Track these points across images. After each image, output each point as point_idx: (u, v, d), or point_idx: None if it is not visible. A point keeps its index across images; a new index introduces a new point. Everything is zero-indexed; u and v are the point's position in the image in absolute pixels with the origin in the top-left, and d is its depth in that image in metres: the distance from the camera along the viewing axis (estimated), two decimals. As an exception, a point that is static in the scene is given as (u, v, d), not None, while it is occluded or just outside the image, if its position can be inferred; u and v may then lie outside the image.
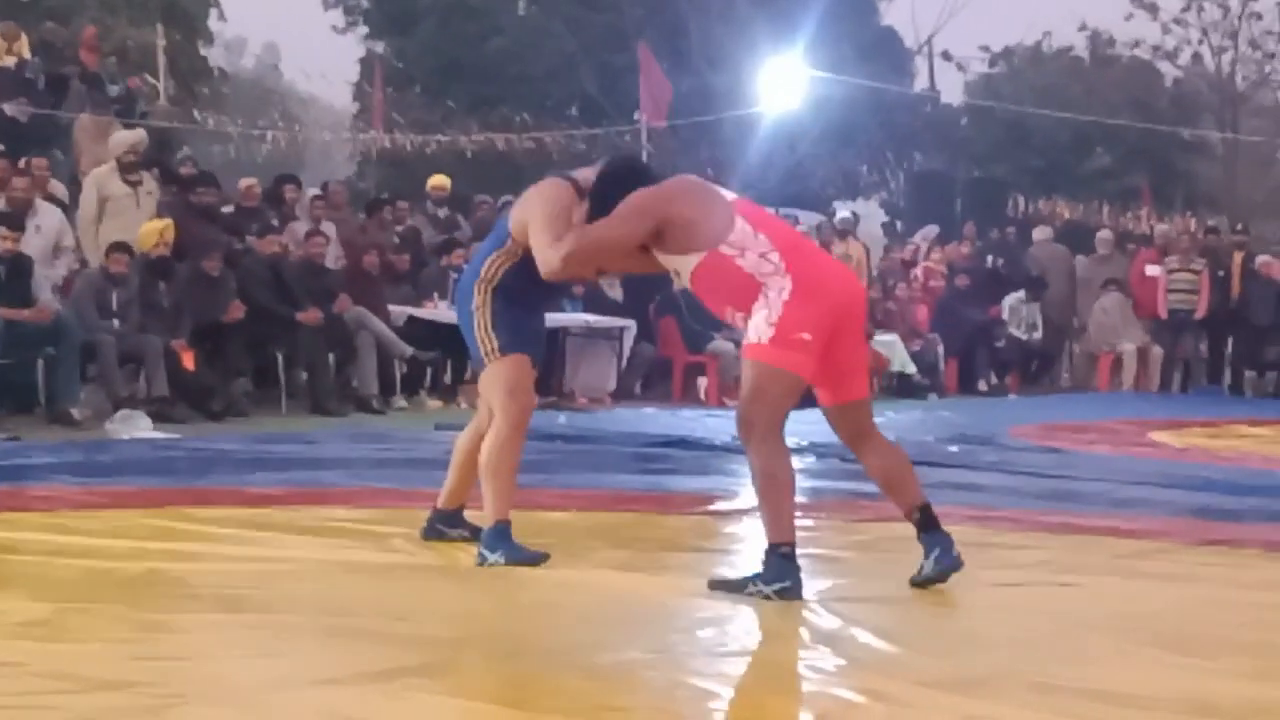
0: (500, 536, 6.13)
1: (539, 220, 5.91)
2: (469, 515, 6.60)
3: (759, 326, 5.60)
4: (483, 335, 6.20)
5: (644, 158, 23.81)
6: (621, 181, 5.88)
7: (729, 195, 5.93)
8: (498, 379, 6.21)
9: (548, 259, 5.82)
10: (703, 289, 5.80)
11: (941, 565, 5.83)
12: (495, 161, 26.53)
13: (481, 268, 6.24)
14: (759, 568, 5.63)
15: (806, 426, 12.69)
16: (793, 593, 5.55)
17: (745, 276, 5.64)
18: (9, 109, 16.23)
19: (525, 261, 6.09)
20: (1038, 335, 21.12)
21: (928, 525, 5.93)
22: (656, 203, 5.76)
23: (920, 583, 5.85)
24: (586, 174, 6.11)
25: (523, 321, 6.27)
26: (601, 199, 5.86)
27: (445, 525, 6.59)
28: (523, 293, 6.22)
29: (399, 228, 16.87)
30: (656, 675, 4.55)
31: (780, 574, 5.57)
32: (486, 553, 6.10)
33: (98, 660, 4.37)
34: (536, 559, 6.06)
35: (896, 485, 5.98)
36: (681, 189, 5.90)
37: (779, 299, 5.58)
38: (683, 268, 5.79)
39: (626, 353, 16.55)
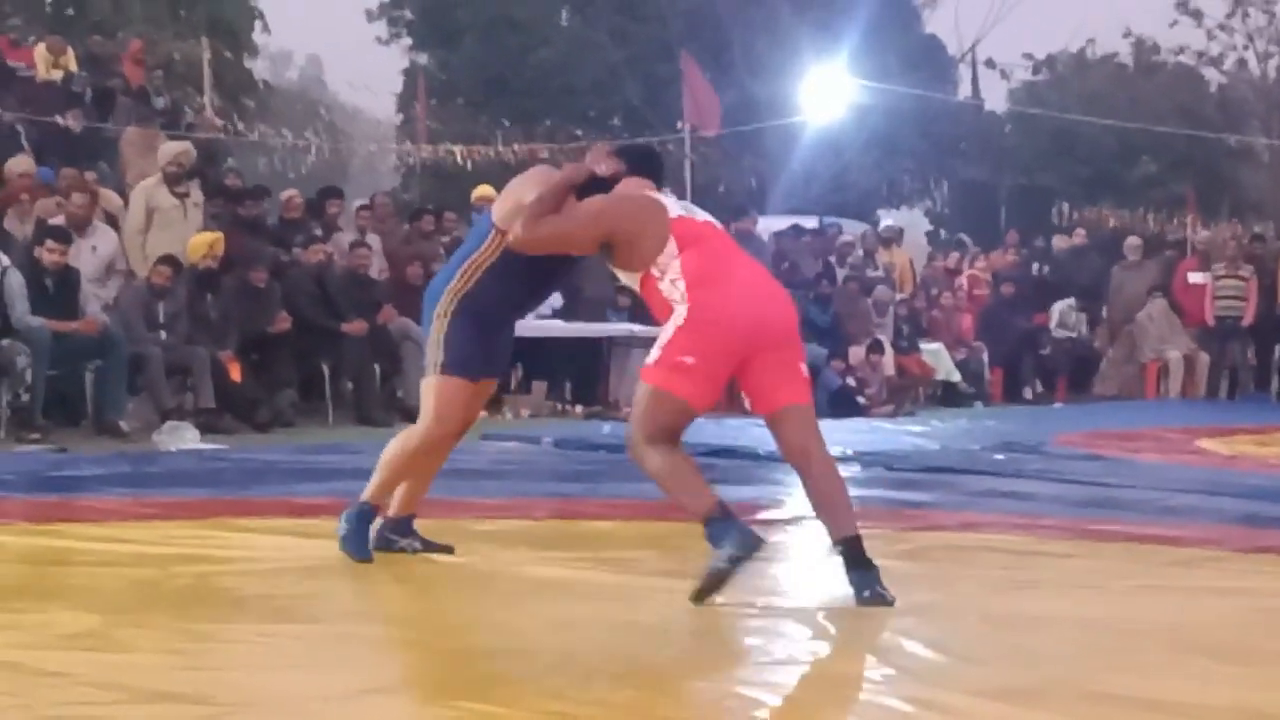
0: (360, 516, 6.34)
1: (532, 192, 5.88)
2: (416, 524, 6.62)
3: (654, 350, 5.72)
4: (434, 346, 6.17)
5: (687, 168, 23.85)
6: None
7: (674, 211, 5.92)
8: (433, 399, 6.21)
9: (517, 228, 5.83)
10: (647, 301, 5.89)
11: (862, 600, 5.63)
12: (539, 173, 26.52)
13: (456, 273, 6.17)
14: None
15: (853, 436, 12.72)
16: (743, 540, 5.48)
17: (664, 300, 5.75)
18: (64, 121, 16.32)
19: (504, 264, 6.06)
20: (1083, 338, 21.09)
21: (852, 562, 5.69)
22: (607, 213, 5.83)
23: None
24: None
25: (476, 343, 6.18)
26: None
27: (394, 534, 6.55)
28: (492, 306, 6.16)
29: (445, 239, 16.88)
30: (703, 686, 4.54)
31: (722, 534, 5.49)
32: (344, 521, 6.34)
33: (147, 671, 4.38)
34: (363, 558, 6.25)
35: (828, 508, 5.78)
36: (630, 206, 5.92)
37: (673, 325, 5.69)
38: (632, 284, 5.91)
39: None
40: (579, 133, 28.29)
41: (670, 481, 5.68)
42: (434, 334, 6.17)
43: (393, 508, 6.55)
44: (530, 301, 6.62)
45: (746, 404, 6.07)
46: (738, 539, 5.47)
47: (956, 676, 4.49)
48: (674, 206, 5.94)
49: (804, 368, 5.90)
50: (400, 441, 6.35)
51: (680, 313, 5.67)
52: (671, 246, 5.74)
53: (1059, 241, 23.35)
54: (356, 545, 6.28)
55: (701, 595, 5.49)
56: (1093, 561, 6.91)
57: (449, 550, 6.52)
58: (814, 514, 5.88)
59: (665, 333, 5.69)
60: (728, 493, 8.84)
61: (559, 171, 6.06)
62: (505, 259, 6.06)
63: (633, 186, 5.97)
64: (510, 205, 6.04)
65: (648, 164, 6.17)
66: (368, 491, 6.35)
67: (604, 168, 5.97)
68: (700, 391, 5.71)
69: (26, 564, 6.24)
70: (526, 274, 6.16)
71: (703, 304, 5.67)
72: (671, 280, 5.70)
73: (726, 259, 5.90)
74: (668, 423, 5.70)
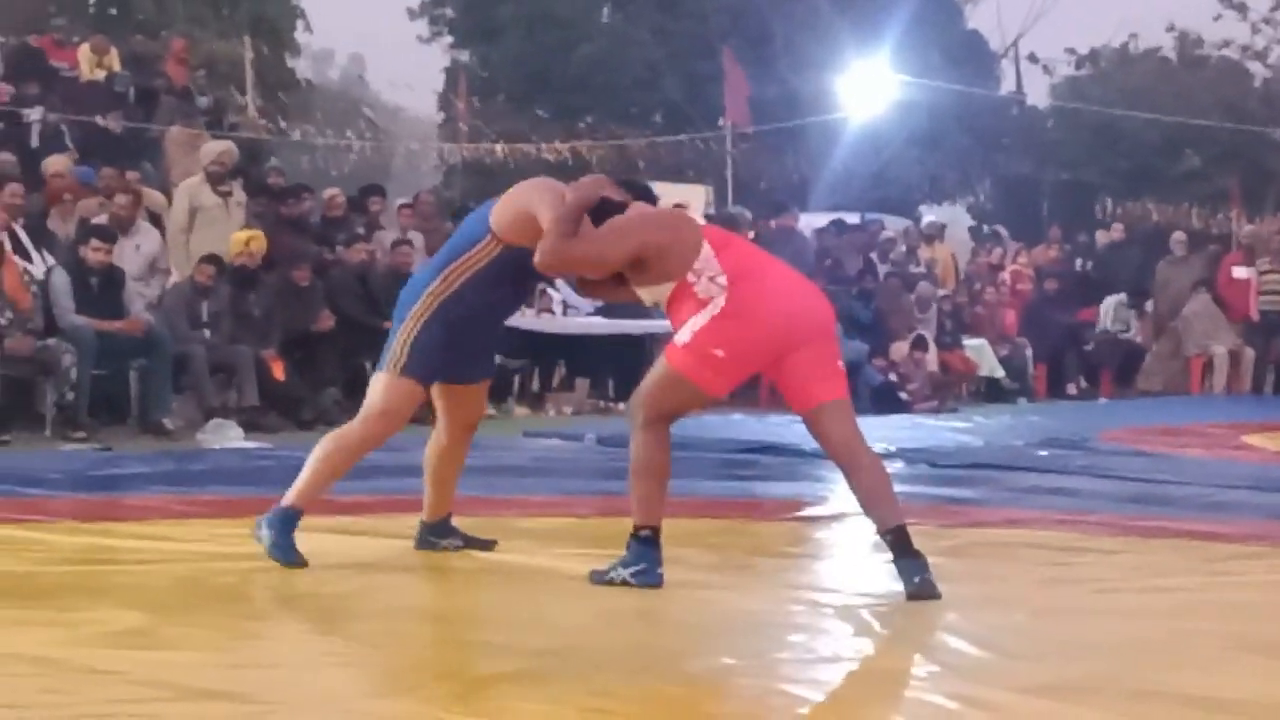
0: (285, 521, 6.16)
1: (548, 208, 5.80)
2: (458, 522, 6.61)
3: (684, 330, 5.71)
4: (400, 344, 6.09)
5: (729, 165, 23.85)
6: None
7: (700, 221, 6.02)
8: (383, 394, 6.15)
9: (545, 250, 5.74)
10: (674, 317, 5.83)
11: (916, 591, 5.66)
12: (580, 170, 26.53)
13: (438, 277, 6.08)
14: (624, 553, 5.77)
15: (896, 433, 12.69)
16: (649, 577, 5.68)
17: (698, 302, 5.71)
18: (104, 121, 16.39)
19: (495, 269, 6.01)
20: (1131, 335, 21.02)
21: (900, 551, 5.74)
22: (639, 227, 5.82)
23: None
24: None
25: (445, 350, 6.11)
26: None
27: (435, 536, 6.54)
28: (475, 311, 6.10)
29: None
30: (748, 683, 4.53)
31: (638, 558, 5.71)
32: (264, 526, 6.15)
33: (193, 669, 4.40)
34: (294, 562, 6.07)
35: (875, 500, 5.82)
36: (659, 216, 6.01)
37: (709, 313, 5.67)
38: (660, 297, 5.84)
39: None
40: (621, 130, 28.32)
41: (645, 475, 5.74)
42: (403, 332, 6.08)
43: (426, 513, 6.55)
44: (514, 307, 6.56)
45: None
46: (646, 569, 5.69)
47: (1002, 673, 4.48)
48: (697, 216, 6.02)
49: (840, 363, 5.91)
50: (335, 440, 6.25)
51: (719, 301, 5.66)
52: (707, 249, 5.76)
53: (1102, 237, 23.28)
54: (284, 551, 6.10)
55: (593, 580, 5.74)
56: (1139, 557, 6.88)
57: (491, 545, 6.52)
58: (860, 508, 5.89)
59: (700, 318, 5.68)
60: (771, 489, 8.89)
61: (564, 188, 5.97)
62: (497, 264, 6.01)
63: (644, 209, 5.99)
64: (511, 214, 5.98)
65: (648, 196, 6.19)
66: (292, 494, 6.19)
67: (613, 193, 5.93)
68: (721, 385, 5.78)
69: (73, 562, 6.26)
70: (515, 280, 6.13)
71: (743, 296, 5.68)
72: (710, 278, 5.70)
73: (762, 257, 5.94)
74: (678, 407, 5.80)
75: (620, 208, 5.90)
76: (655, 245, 5.76)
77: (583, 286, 6.55)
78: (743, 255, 5.86)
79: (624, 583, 5.66)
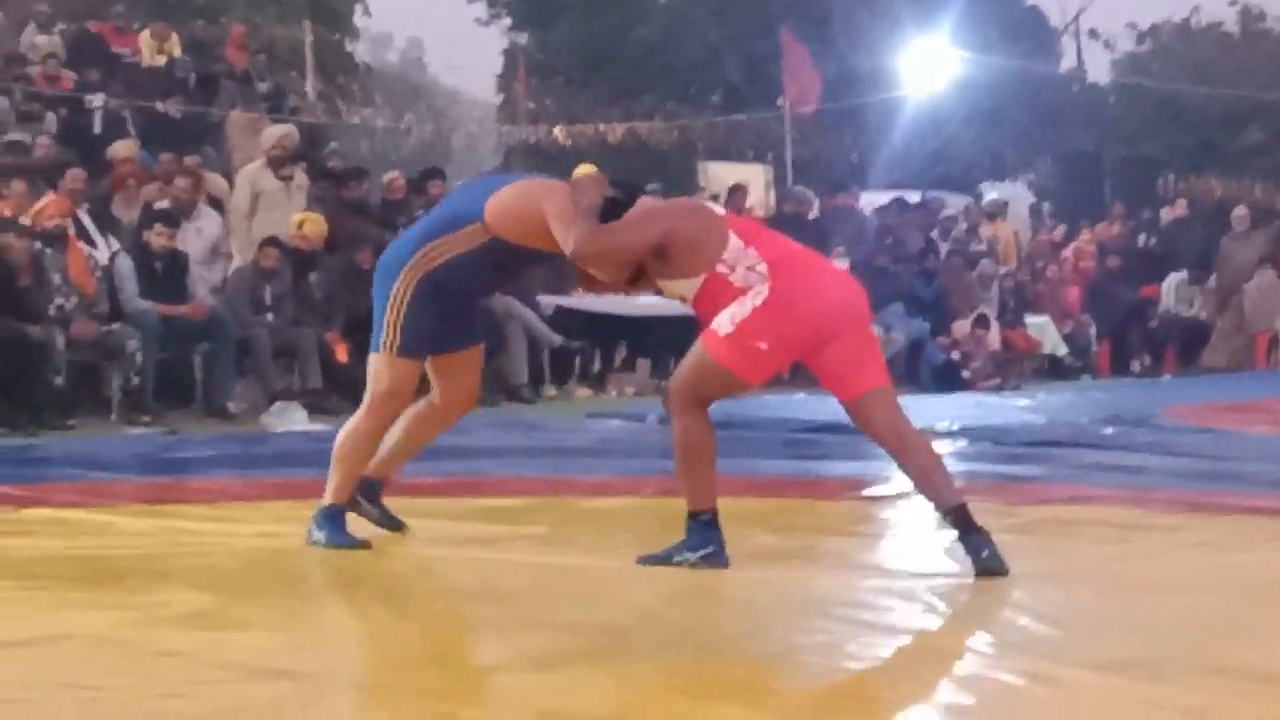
0: (332, 518, 6.20)
1: (559, 208, 5.75)
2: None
3: (724, 318, 5.64)
4: (391, 324, 6.05)
5: (788, 145, 23.79)
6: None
7: (720, 211, 5.98)
8: (385, 376, 6.14)
9: (583, 237, 5.68)
10: (704, 311, 5.76)
11: (981, 561, 5.64)
12: (639, 151, 26.57)
13: (416, 252, 6.01)
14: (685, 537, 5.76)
15: (959, 411, 12.66)
16: (716, 559, 5.69)
17: (736, 291, 5.66)
18: (161, 107, 16.48)
19: (483, 254, 5.96)
20: (1196, 313, 20.88)
21: (963, 528, 5.72)
22: (663, 213, 5.80)
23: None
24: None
25: (436, 321, 6.08)
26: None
27: (363, 495, 6.45)
28: (452, 291, 6.07)
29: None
30: (814, 661, 4.53)
31: (704, 541, 5.71)
32: (314, 529, 6.18)
33: (261, 650, 4.43)
34: (357, 544, 6.13)
35: (930, 480, 5.82)
36: (685, 207, 6.02)
37: (751, 303, 5.62)
38: (687, 292, 5.77)
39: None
40: (680, 110, 28.29)
41: (690, 461, 5.75)
42: (389, 313, 6.04)
43: (371, 465, 6.46)
44: (493, 290, 6.55)
45: None
46: (715, 551, 5.70)
47: (1069, 649, 4.46)
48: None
49: (878, 349, 5.92)
50: (351, 433, 6.28)
51: (761, 291, 5.62)
52: (735, 239, 5.72)
53: (1166, 213, 23.11)
54: (343, 540, 6.16)
55: (645, 563, 5.73)
56: (1204, 534, 6.84)
57: (401, 526, 6.47)
58: (916, 490, 5.87)
59: (742, 307, 5.63)
60: (834, 469, 8.88)
61: (565, 185, 5.91)
62: (480, 251, 5.94)
63: (660, 200, 5.98)
64: (509, 209, 5.88)
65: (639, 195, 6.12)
66: (329, 494, 6.24)
67: (613, 191, 5.86)
68: (760, 375, 5.78)
69: (140, 545, 6.31)
70: (496, 267, 6.10)
71: (786, 286, 5.64)
72: (749, 267, 5.65)
73: (796, 246, 5.93)
74: (716, 395, 5.80)
75: (628, 203, 5.86)
76: (684, 234, 5.70)
77: (585, 281, 6.32)
78: (778, 244, 5.83)
79: (692, 565, 5.66)
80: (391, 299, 6.04)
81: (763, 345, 5.62)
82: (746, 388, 5.90)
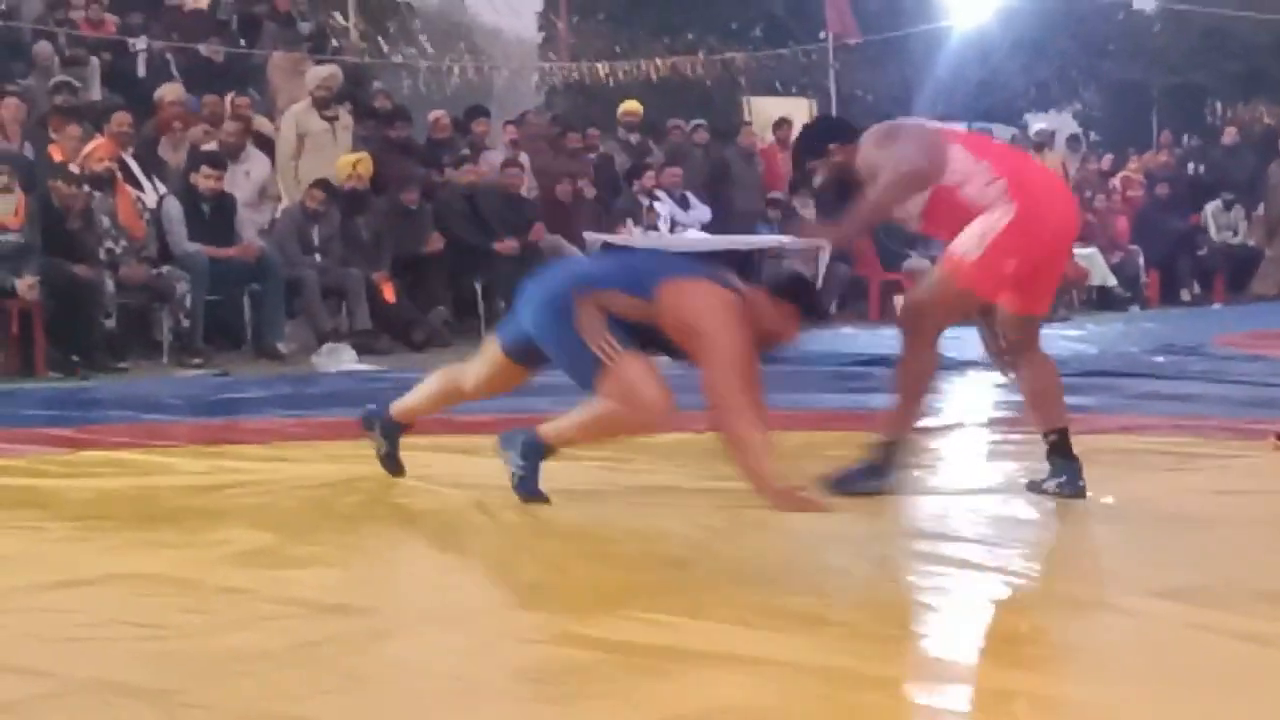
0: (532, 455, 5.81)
1: (723, 356, 5.62)
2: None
3: (969, 241, 5.59)
4: (600, 341, 5.64)
5: (831, 77, 23.65)
6: (826, 134, 6.00)
7: (935, 125, 5.96)
8: (635, 383, 5.67)
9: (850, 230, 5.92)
10: (932, 225, 5.78)
11: (1064, 492, 5.75)
12: (682, 87, 26.45)
13: (591, 289, 5.71)
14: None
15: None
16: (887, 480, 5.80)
17: (967, 205, 5.61)
18: (204, 49, 16.47)
19: (626, 323, 5.72)
20: (1242, 240, 20.72)
21: (1062, 449, 5.84)
22: (900, 153, 5.69)
23: (1034, 489, 5.84)
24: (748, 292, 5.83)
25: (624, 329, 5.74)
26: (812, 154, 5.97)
27: (387, 429, 6.34)
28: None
29: (592, 155, 16.88)
30: (872, 590, 4.55)
31: (884, 471, 5.81)
32: (516, 456, 5.77)
33: (322, 586, 4.45)
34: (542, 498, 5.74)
35: (1044, 402, 5.91)
36: (894, 131, 5.90)
37: (1000, 222, 5.55)
38: (913, 209, 5.74)
39: (822, 272, 16.46)
40: (722, 44, 28.16)
41: (920, 389, 5.81)
42: (593, 336, 5.65)
43: (398, 408, 6.38)
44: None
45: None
46: (889, 479, 5.77)
47: (1130, 578, 4.46)
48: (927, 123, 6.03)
49: None
50: (610, 413, 5.76)
51: (1007, 209, 5.56)
52: (963, 152, 5.69)
53: (1227, 136, 22.85)
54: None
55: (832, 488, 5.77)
56: (1259, 461, 6.82)
57: (399, 472, 6.32)
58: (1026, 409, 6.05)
59: (990, 225, 5.56)
60: (884, 401, 8.84)
61: (734, 313, 5.69)
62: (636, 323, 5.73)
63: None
64: (683, 324, 5.66)
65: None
66: (553, 434, 5.85)
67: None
68: (998, 295, 5.73)
69: (197, 486, 6.34)
70: (640, 334, 5.77)
71: (1033, 203, 5.61)
72: (985, 184, 5.61)
73: (1026, 159, 5.93)
74: (953, 321, 5.78)
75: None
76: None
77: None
78: (1010, 158, 5.86)
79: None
80: (583, 324, 5.69)
81: (1010, 264, 5.59)
82: (979, 307, 5.82)
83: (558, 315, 5.75)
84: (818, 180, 6.03)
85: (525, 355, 6.03)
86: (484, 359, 6.17)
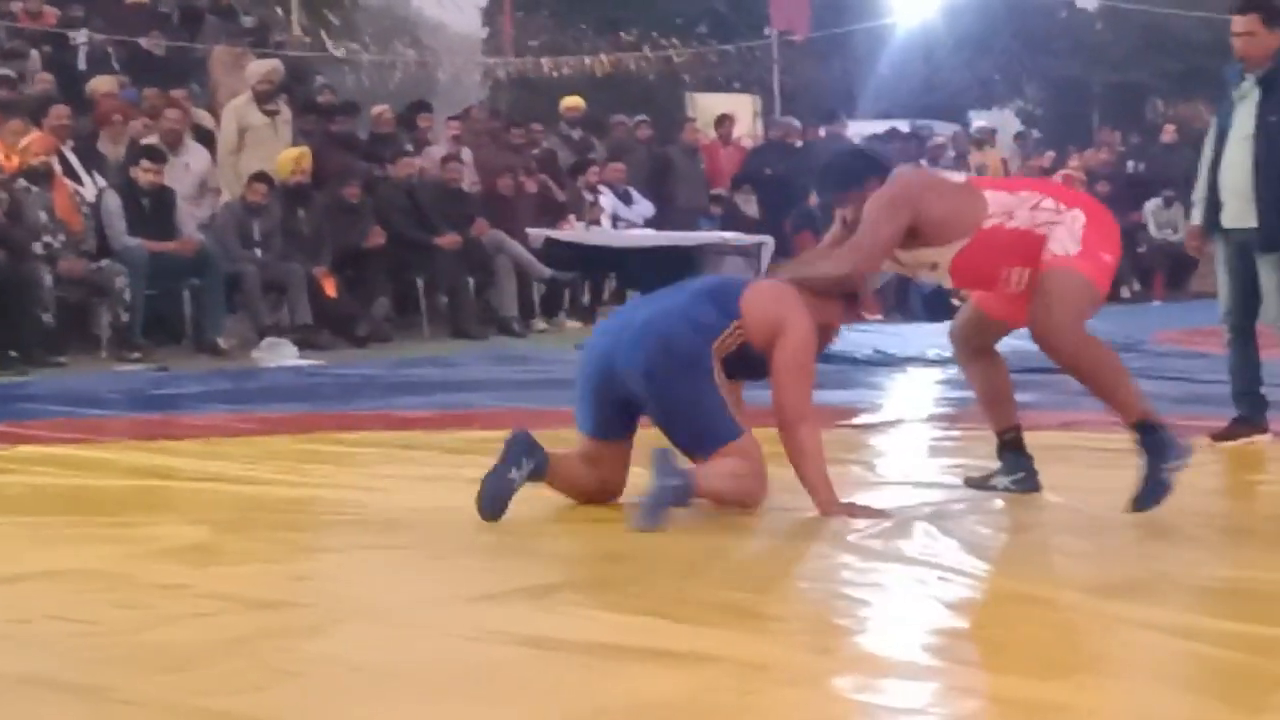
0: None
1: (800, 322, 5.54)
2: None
3: (1062, 242, 5.54)
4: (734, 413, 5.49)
5: (775, 73, 23.68)
6: (851, 170, 5.84)
7: (959, 177, 5.97)
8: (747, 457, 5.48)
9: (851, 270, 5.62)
10: (971, 267, 5.67)
11: (1021, 488, 5.79)
12: (625, 82, 26.44)
13: (717, 338, 5.51)
14: (1152, 453, 5.60)
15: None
16: (1183, 452, 5.57)
17: (1020, 234, 5.56)
18: (145, 43, 16.37)
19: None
20: (1179, 237, 20.83)
21: (1017, 446, 5.90)
22: (906, 197, 5.62)
23: (976, 485, 5.89)
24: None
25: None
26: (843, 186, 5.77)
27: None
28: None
29: (534, 150, 16.88)
30: (807, 585, 4.56)
31: (1165, 444, 5.56)
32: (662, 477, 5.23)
33: (257, 581, 4.44)
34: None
35: (999, 401, 5.96)
36: (923, 184, 5.86)
37: (1076, 224, 5.55)
38: (943, 257, 5.65)
39: (764, 269, 16.49)
40: (666, 41, 28.15)
41: (1114, 376, 5.69)
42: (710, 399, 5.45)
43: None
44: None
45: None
46: (1178, 447, 5.56)
47: (1067, 573, 4.49)
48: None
49: None
50: (739, 490, 5.48)
51: (1074, 216, 5.57)
52: (996, 194, 5.67)
53: (1165, 135, 22.98)
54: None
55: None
56: (1196, 457, 6.83)
57: None
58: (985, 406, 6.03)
59: (1068, 232, 5.54)
60: (826, 397, 8.86)
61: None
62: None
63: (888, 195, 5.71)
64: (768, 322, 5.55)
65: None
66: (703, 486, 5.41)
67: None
68: (1108, 288, 5.75)
69: (134, 480, 6.32)
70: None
71: (1091, 207, 5.70)
72: (1031, 207, 5.59)
73: (1052, 182, 5.95)
74: (1090, 315, 5.69)
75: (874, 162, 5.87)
76: (935, 212, 5.58)
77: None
78: (1041, 184, 6.06)
79: (1170, 473, 5.52)
80: (719, 386, 5.50)
81: (1108, 257, 5.61)
82: (1102, 302, 5.79)
83: (688, 369, 5.47)
84: (846, 212, 5.72)
85: (618, 426, 5.71)
86: (583, 458, 5.75)
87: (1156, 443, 5.54)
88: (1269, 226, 7.08)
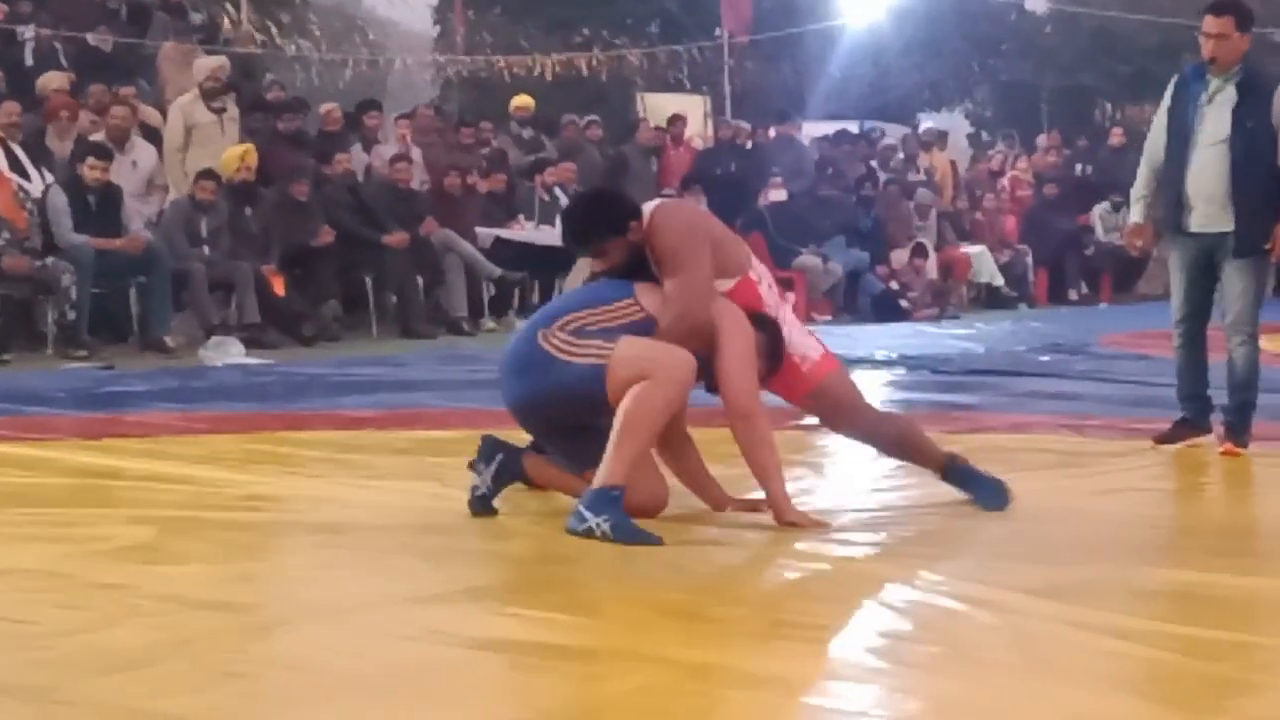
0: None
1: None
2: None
3: (809, 344, 5.67)
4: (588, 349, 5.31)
5: (725, 75, 23.70)
6: (616, 215, 5.54)
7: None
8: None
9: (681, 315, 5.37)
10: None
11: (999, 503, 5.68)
12: (577, 82, 26.41)
13: (553, 325, 5.46)
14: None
15: (898, 340, 12.71)
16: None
17: (764, 305, 5.57)
18: (92, 39, 16.28)
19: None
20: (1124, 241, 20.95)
21: (964, 470, 5.78)
22: (693, 222, 5.59)
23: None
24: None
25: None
26: (615, 232, 5.48)
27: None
28: None
29: (484, 149, 16.86)
30: (752, 587, 4.57)
31: None
32: (589, 514, 5.03)
33: (201, 582, 4.43)
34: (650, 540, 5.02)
35: (918, 446, 5.84)
36: (694, 209, 5.95)
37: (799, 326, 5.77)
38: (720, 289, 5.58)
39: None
40: (617, 41, 28.18)
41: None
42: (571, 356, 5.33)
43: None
44: None
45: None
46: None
47: (1008, 574, 4.50)
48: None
49: None
50: (643, 397, 5.21)
51: (785, 313, 5.72)
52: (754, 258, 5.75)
53: (1114, 139, 23.09)
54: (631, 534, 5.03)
55: None
56: (1140, 460, 6.90)
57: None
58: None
59: (802, 334, 5.74)
60: (772, 397, 8.89)
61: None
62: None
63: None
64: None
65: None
66: (604, 474, 5.18)
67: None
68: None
69: (78, 479, 6.28)
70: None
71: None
72: (769, 285, 5.68)
73: None
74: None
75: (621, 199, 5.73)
76: (719, 239, 5.58)
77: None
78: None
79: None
80: (559, 348, 5.43)
81: None
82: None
83: (535, 367, 5.42)
84: (610, 257, 5.50)
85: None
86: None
87: None
88: (1245, 231, 7.08)
